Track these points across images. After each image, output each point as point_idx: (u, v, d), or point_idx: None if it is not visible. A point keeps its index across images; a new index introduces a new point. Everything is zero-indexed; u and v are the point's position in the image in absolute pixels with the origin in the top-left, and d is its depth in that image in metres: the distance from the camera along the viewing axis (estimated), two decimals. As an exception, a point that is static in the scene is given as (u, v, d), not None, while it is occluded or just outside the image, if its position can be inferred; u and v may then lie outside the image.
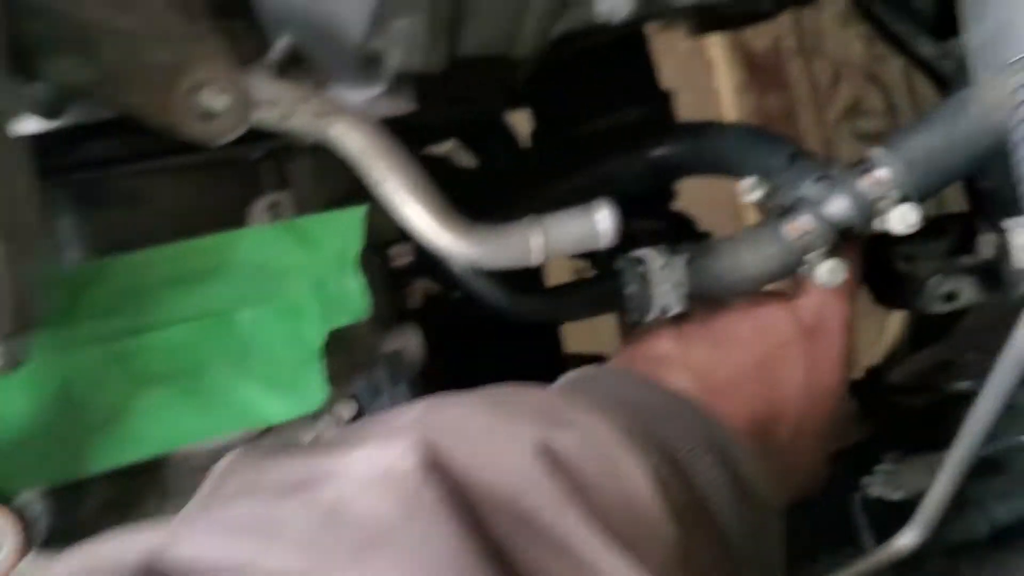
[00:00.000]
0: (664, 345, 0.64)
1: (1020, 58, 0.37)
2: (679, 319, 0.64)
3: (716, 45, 1.71)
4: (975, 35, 0.39)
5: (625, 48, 0.91)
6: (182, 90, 0.46)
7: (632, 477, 0.38)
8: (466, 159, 1.09)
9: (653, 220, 0.83)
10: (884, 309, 0.90)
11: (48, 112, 0.50)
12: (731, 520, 0.48)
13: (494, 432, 0.36)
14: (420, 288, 0.72)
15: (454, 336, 0.77)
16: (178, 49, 0.45)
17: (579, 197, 0.76)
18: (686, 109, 1.73)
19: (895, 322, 1.21)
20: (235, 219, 0.59)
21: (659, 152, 0.74)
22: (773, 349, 0.64)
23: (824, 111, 1.73)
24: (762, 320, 0.65)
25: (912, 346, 1.13)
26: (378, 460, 0.32)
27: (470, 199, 0.81)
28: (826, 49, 1.73)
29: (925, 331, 1.13)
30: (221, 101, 0.47)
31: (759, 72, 1.73)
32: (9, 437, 0.50)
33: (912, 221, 0.61)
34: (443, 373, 0.74)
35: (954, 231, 0.72)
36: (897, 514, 0.71)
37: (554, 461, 0.35)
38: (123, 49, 0.43)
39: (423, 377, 0.66)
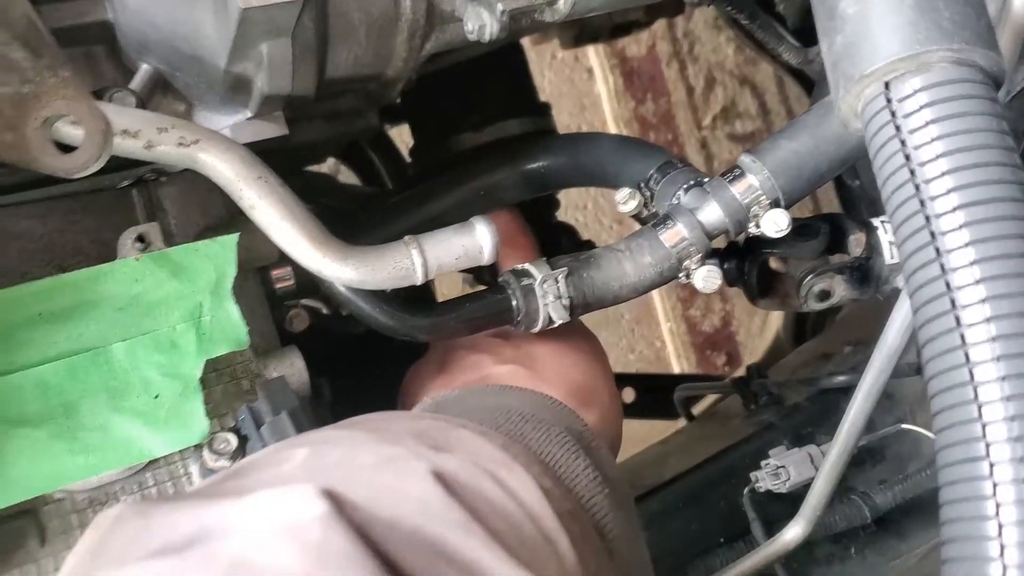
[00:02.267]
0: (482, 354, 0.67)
1: (871, 72, 0.38)
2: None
3: (594, 53, 1.74)
4: (828, 48, 0.41)
5: (502, 61, 0.92)
6: (35, 124, 0.44)
7: (519, 492, 0.39)
8: (348, 175, 1.08)
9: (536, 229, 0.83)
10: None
11: None
12: (612, 522, 0.49)
13: (383, 467, 0.36)
14: (302, 311, 0.71)
15: (342, 355, 0.76)
16: (24, 82, 0.43)
17: (461, 212, 0.77)
18: (567, 116, 1.76)
19: (775, 319, 1.25)
20: (107, 250, 0.57)
21: (535, 165, 0.75)
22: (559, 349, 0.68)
23: (700, 114, 1.78)
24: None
25: (794, 342, 1.17)
26: (276, 510, 0.31)
27: (353, 217, 0.80)
28: (699, 54, 1.77)
29: (804, 326, 1.17)
30: (78, 133, 0.46)
31: (636, 78, 1.76)
32: None
33: (783, 225, 0.63)
34: (333, 391, 0.73)
35: (825, 231, 0.74)
36: (786, 505, 0.73)
37: (447, 486, 0.35)
38: (-34, 84, 0.42)
39: (312, 398, 0.65)
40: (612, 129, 1.77)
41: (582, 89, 1.77)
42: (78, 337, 0.52)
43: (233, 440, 0.54)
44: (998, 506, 0.33)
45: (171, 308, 0.54)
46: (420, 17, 0.60)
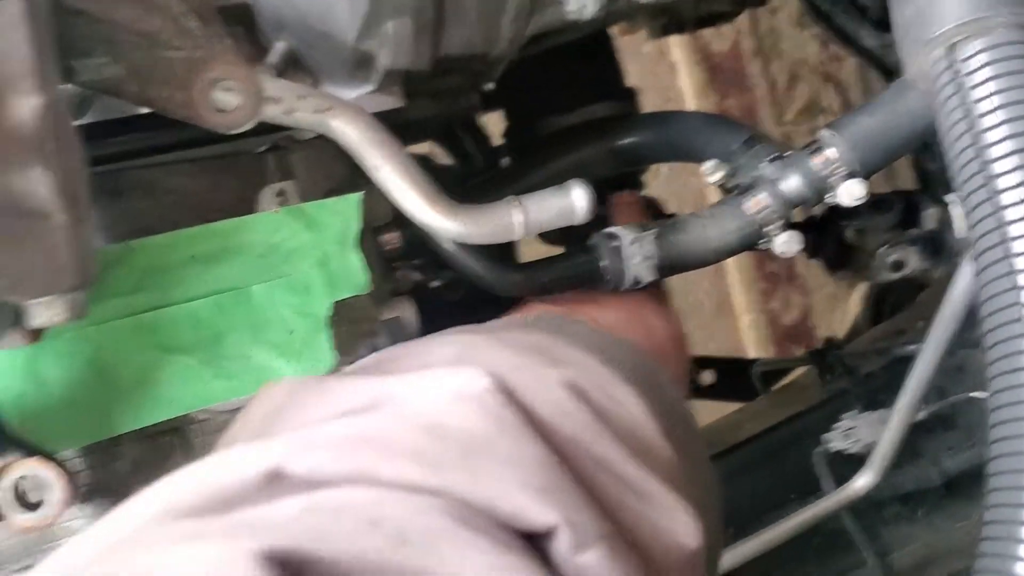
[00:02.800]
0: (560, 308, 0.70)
1: (938, 35, 0.43)
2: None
3: (678, 48, 1.79)
4: (900, 17, 0.46)
5: (592, 48, 0.98)
6: (200, 85, 0.51)
7: (629, 405, 0.41)
8: (444, 158, 1.15)
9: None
10: (845, 291, 0.97)
11: (74, 112, 0.55)
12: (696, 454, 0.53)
13: (522, 369, 0.38)
14: (407, 273, 0.77)
15: (435, 323, 0.83)
16: (196, 48, 0.50)
17: (551, 186, 0.83)
18: (650, 109, 1.81)
19: (855, 302, 1.28)
20: (245, 206, 0.65)
21: (625, 141, 0.80)
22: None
23: (782, 110, 1.81)
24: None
25: (872, 323, 1.20)
26: (452, 383, 0.34)
27: (451, 193, 0.87)
28: (783, 51, 1.81)
29: (882, 316, 1.20)
30: (235, 95, 0.53)
31: (719, 73, 1.80)
32: (50, 402, 0.55)
33: (859, 195, 0.68)
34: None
35: (900, 205, 0.79)
36: (855, 465, 0.77)
37: (578, 393, 0.38)
38: (147, 48, 0.49)
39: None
40: (695, 124, 1.81)
41: (666, 83, 1.81)
42: (224, 278, 0.60)
43: (355, 373, 0.60)
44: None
45: (304, 256, 0.61)
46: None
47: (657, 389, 0.51)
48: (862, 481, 0.70)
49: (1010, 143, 0.41)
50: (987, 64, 0.42)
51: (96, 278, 0.42)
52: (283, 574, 0.24)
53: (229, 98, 0.54)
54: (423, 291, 0.79)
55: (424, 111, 0.77)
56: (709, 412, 1.22)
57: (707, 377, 1.24)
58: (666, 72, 1.80)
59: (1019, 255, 0.39)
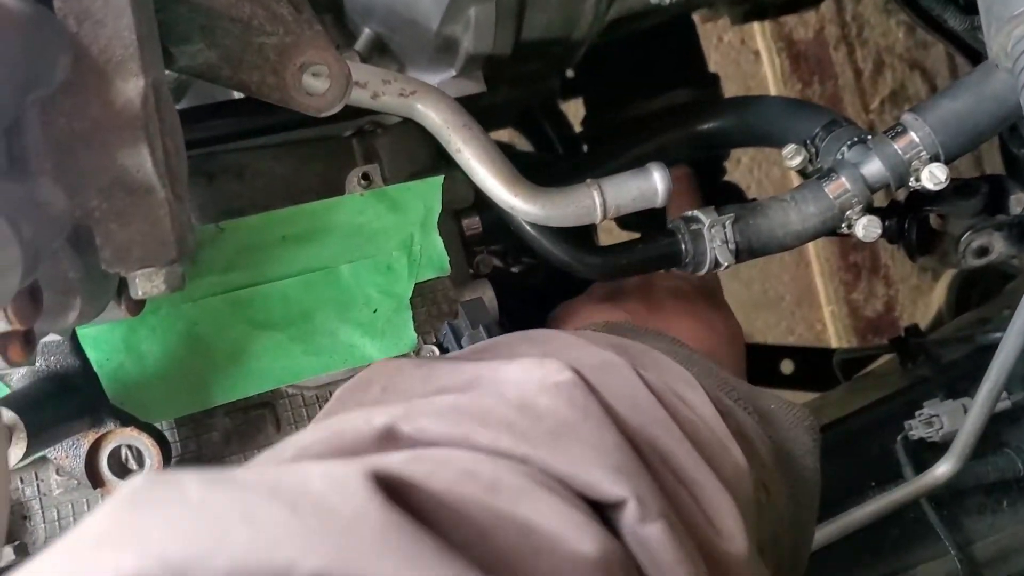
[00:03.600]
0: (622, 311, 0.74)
1: (1019, 12, 0.43)
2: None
3: (760, 36, 1.77)
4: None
5: (674, 33, 0.98)
6: (292, 69, 0.53)
7: (699, 408, 0.45)
8: (524, 146, 1.17)
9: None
10: (930, 283, 0.95)
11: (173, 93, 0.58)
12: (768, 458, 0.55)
13: (603, 367, 0.42)
14: (488, 256, 0.79)
15: (514, 309, 0.84)
16: (288, 33, 0.52)
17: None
18: (733, 99, 1.78)
19: (940, 293, 1.26)
20: (331, 189, 0.67)
21: (708, 126, 0.80)
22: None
23: (867, 98, 1.78)
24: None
25: (956, 314, 1.18)
26: (540, 373, 0.38)
27: (538, 178, 0.88)
28: (868, 38, 1.77)
29: (968, 306, 1.18)
30: (324, 79, 0.55)
31: (803, 61, 1.78)
32: (146, 374, 0.58)
33: (941, 179, 0.67)
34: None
35: (986, 190, 0.77)
36: (938, 454, 0.76)
37: (652, 391, 0.42)
38: (241, 34, 0.51)
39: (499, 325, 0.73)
40: (777, 113, 1.79)
41: (748, 71, 1.80)
42: (313, 257, 0.62)
43: (437, 352, 0.62)
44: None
45: (388, 237, 0.63)
46: (607, -17, 0.67)
47: (725, 390, 0.54)
48: (943, 469, 0.69)
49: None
50: (1073, 41, 0.41)
51: (193, 253, 0.44)
52: (389, 495, 0.27)
53: (319, 83, 0.55)
54: (503, 275, 0.80)
55: (504, 96, 0.79)
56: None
57: (787, 366, 1.24)
58: (748, 61, 1.78)
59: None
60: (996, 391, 0.69)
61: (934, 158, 0.68)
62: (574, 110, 1.10)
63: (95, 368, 0.56)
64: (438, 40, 0.65)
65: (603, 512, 0.33)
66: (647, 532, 0.33)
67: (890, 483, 0.78)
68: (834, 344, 1.79)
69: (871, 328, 1.79)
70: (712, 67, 1.05)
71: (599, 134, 1.00)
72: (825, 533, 0.71)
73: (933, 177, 0.67)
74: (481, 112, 0.76)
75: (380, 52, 0.70)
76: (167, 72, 0.55)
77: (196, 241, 0.59)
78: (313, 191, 0.67)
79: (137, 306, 0.46)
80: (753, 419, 0.55)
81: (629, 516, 0.33)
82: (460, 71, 0.68)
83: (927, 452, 0.78)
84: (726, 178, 1.00)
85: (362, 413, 0.34)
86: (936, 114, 0.67)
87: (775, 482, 0.54)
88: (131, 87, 0.40)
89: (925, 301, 1.70)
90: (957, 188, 0.76)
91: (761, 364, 1.26)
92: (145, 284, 0.41)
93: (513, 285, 0.80)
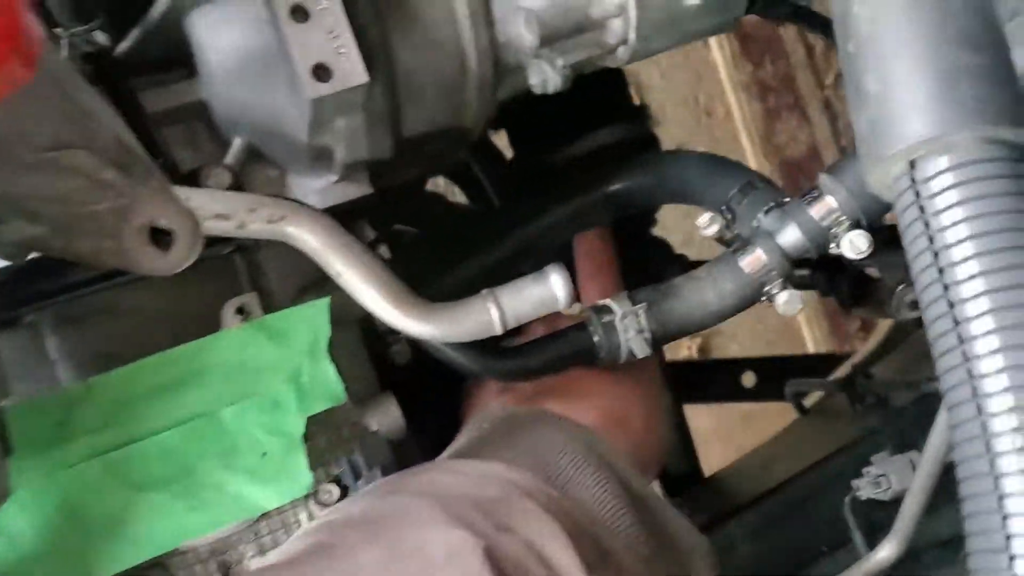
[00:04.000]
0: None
1: (895, 153, 0.39)
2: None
3: (706, 22, 1.71)
4: (856, 124, 0.41)
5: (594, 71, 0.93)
6: (131, 231, 0.49)
7: (565, 568, 0.44)
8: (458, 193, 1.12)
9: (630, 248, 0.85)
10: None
11: (13, 256, 0.53)
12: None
13: (449, 564, 0.42)
14: (404, 346, 0.75)
15: (444, 379, 0.80)
16: (119, 196, 0.48)
17: (553, 235, 0.79)
18: (684, 87, 1.74)
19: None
20: (215, 315, 0.62)
21: (619, 186, 0.76)
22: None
23: (821, 74, 1.73)
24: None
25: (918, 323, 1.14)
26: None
27: (460, 239, 0.84)
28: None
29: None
30: (172, 232, 0.50)
31: (753, 42, 1.72)
32: (20, 557, 0.54)
33: (862, 248, 0.63)
34: (438, 413, 0.78)
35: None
36: (889, 510, 0.73)
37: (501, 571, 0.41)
38: (63, 208, 0.46)
39: (412, 434, 0.69)
40: (730, 96, 1.74)
41: (697, 58, 1.74)
42: (193, 404, 0.58)
43: (336, 491, 0.59)
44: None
45: (273, 371, 0.59)
46: (487, 73, 0.63)
47: (617, 508, 0.55)
48: (887, 551, 0.66)
49: (981, 281, 0.36)
50: (951, 187, 0.37)
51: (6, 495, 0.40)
52: None
53: (166, 237, 0.51)
54: (421, 358, 0.76)
55: (406, 175, 0.74)
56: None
57: (748, 379, 1.21)
58: (696, 47, 1.73)
59: (994, 416, 0.35)
60: (938, 457, 0.66)
61: (855, 224, 0.64)
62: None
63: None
64: (311, 151, 0.61)
65: None
66: None
67: (841, 547, 0.75)
68: (804, 329, 1.76)
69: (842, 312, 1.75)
70: (660, 58, 1.00)
71: (525, 182, 0.95)
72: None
73: (853, 247, 0.63)
74: (387, 192, 0.72)
75: (256, 158, 0.65)
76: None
77: (63, 405, 0.56)
78: (194, 320, 0.63)
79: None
80: (640, 555, 0.53)
81: None
82: (341, 176, 0.63)
83: (878, 511, 0.75)
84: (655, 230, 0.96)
85: None
86: (855, 175, 0.63)
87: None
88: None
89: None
90: (888, 239, 0.71)
91: (723, 379, 1.23)
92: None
93: (434, 361, 0.77)
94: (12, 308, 0.59)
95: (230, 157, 0.64)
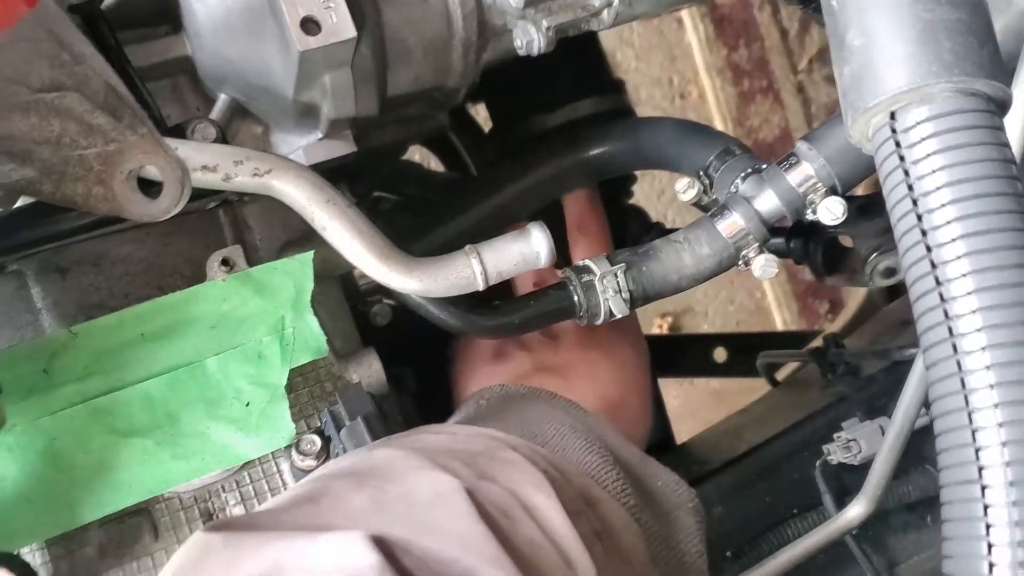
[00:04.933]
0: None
1: (875, 104, 0.40)
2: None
3: (683, 3, 1.72)
4: (839, 77, 0.42)
5: (574, 42, 0.93)
6: (120, 176, 0.49)
7: (548, 520, 0.44)
8: (437, 162, 1.12)
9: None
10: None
11: (2, 202, 0.54)
12: (643, 525, 0.54)
13: (434, 504, 0.41)
14: (385, 306, 0.75)
15: (424, 343, 0.81)
16: (109, 142, 0.48)
17: (528, 200, 0.80)
18: (658, 68, 1.75)
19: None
20: (198, 269, 0.63)
21: (597, 151, 0.77)
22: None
23: (795, 58, 1.74)
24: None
25: (887, 295, 1.16)
26: (338, 558, 0.36)
27: (437, 205, 0.84)
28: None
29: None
30: (160, 180, 0.51)
31: (728, 25, 1.74)
32: (6, 499, 0.55)
33: (838, 213, 0.64)
34: (419, 376, 0.78)
35: (891, 206, 0.75)
36: (858, 474, 0.75)
37: (486, 518, 0.41)
38: (54, 150, 0.47)
39: (394, 391, 0.70)
40: (704, 79, 1.76)
41: (672, 40, 1.75)
42: (177, 353, 0.58)
43: (318, 441, 0.59)
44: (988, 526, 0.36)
45: (257, 323, 0.60)
46: (472, 34, 0.63)
47: (603, 470, 0.55)
48: (856, 510, 0.67)
49: (957, 226, 0.37)
50: (930, 136, 0.39)
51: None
52: None
53: (155, 173, 0.51)
54: (403, 318, 0.77)
55: (388, 137, 0.75)
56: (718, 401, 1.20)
57: (720, 354, 1.22)
58: (672, 29, 1.74)
59: (970, 354, 0.37)
60: (909, 418, 0.68)
61: (831, 191, 0.65)
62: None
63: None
64: (297, 107, 0.61)
65: None
66: None
67: (811, 509, 0.77)
68: (774, 310, 1.78)
69: (811, 292, 1.78)
70: (635, 39, 1.01)
71: (503, 151, 0.96)
72: (744, 579, 0.69)
73: (829, 213, 0.64)
74: (368, 153, 0.72)
75: (242, 115, 0.65)
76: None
77: (48, 353, 0.56)
78: (178, 273, 0.63)
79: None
80: (626, 506, 0.54)
81: None
82: (326, 133, 0.64)
83: (847, 475, 0.77)
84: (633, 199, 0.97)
85: None
86: (830, 143, 0.64)
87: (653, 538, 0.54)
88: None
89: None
90: (861, 207, 0.73)
91: (695, 354, 1.25)
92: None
93: (415, 323, 0.77)
94: (-2, 256, 0.59)
95: (215, 112, 0.64)
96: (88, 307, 0.60)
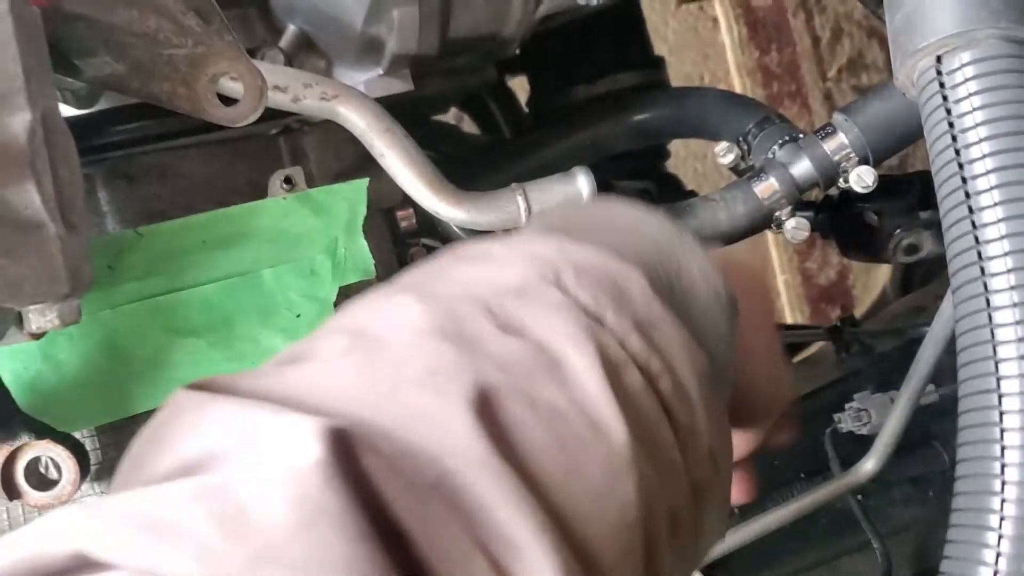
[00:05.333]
0: None
1: (924, 46, 0.43)
2: None
3: (719, 2, 1.75)
4: (891, 22, 0.45)
5: (618, 15, 0.97)
6: (204, 80, 0.52)
7: (578, 376, 0.38)
8: (471, 125, 1.16)
9: (642, 180, 0.89)
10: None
11: (84, 103, 0.57)
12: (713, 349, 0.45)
13: (424, 384, 0.35)
14: (422, 249, 0.78)
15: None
16: (197, 44, 0.51)
17: (569, 161, 0.83)
18: (690, 65, 1.78)
19: (885, 274, 1.27)
20: (256, 189, 0.66)
21: (641, 117, 0.80)
22: None
23: (825, 66, 1.77)
24: None
25: (900, 296, 1.19)
26: (281, 451, 0.31)
27: (470, 163, 0.87)
28: (827, 4, 1.77)
29: (912, 281, 1.19)
30: (238, 88, 0.54)
31: (761, 28, 1.77)
32: (64, 383, 0.58)
33: (868, 181, 0.67)
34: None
35: (917, 188, 0.78)
36: (865, 446, 0.77)
37: (484, 406, 0.35)
38: (148, 46, 0.50)
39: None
40: (735, 79, 1.78)
41: (706, 38, 1.79)
42: (236, 262, 0.61)
43: (360, 357, 0.62)
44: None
45: (312, 241, 0.63)
46: (535, -19, 0.66)
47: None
48: (865, 467, 0.70)
49: (991, 160, 0.40)
50: (972, 78, 0.41)
51: (90, 285, 0.44)
52: None
53: (233, 91, 0.54)
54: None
55: (436, 88, 0.78)
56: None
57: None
58: (707, 28, 1.77)
59: (995, 276, 0.39)
60: (919, 389, 0.70)
61: (863, 160, 0.68)
62: (524, 83, 1.09)
63: (6, 382, 0.55)
64: (363, 39, 0.64)
65: None
66: None
67: (818, 475, 0.80)
68: (787, 313, 1.81)
69: (824, 297, 1.81)
70: (669, 35, 1.04)
71: (542, 117, 0.99)
72: (749, 530, 0.72)
73: (860, 180, 0.68)
74: (414, 103, 0.75)
75: (307, 48, 0.68)
76: (73, 82, 0.54)
77: (114, 250, 0.59)
78: (238, 192, 0.66)
79: (39, 334, 0.45)
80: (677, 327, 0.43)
81: None
82: (387, 70, 0.67)
83: (855, 444, 0.79)
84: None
85: (59, 528, 0.30)
86: (866, 116, 0.68)
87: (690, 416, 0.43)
88: (17, 122, 0.39)
89: (878, 270, 1.72)
90: (887, 185, 0.76)
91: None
92: (39, 319, 0.41)
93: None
94: (69, 159, 0.62)
95: (283, 42, 0.67)
96: (151, 215, 0.63)
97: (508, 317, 0.40)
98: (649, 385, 0.41)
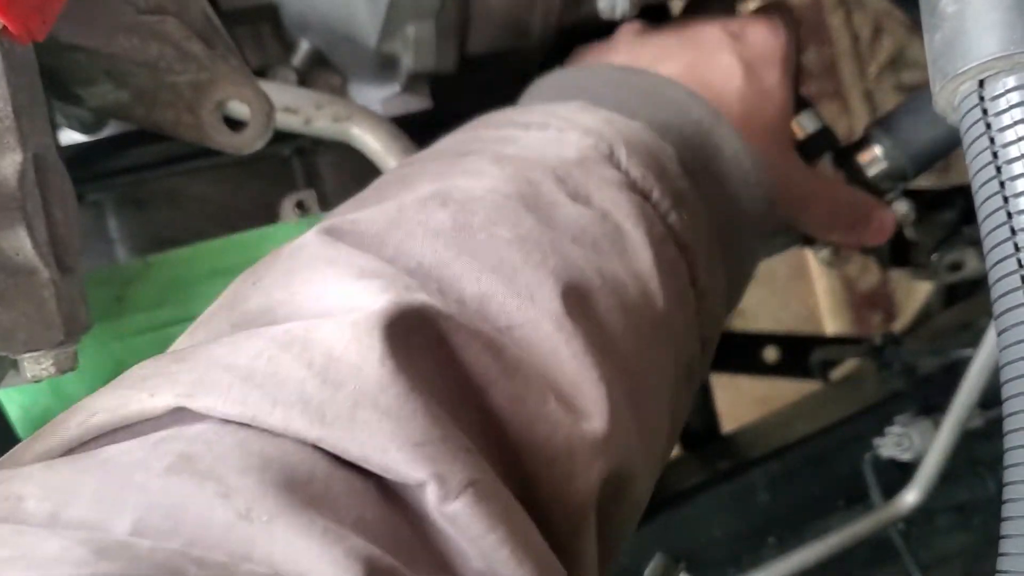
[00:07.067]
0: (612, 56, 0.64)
1: (965, 70, 0.40)
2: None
3: (752, 1, 1.71)
4: (929, 44, 0.42)
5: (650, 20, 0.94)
6: (208, 106, 0.50)
7: (637, 257, 0.44)
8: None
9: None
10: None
11: (89, 129, 0.55)
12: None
13: (513, 246, 0.40)
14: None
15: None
16: (201, 70, 0.49)
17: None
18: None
19: (924, 286, 1.23)
20: (269, 212, 0.64)
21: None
22: (701, 55, 0.61)
23: (865, 64, 1.73)
24: (692, 32, 0.64)
25: (944, 304, 1.15)
26: (349, 312, 0.35)
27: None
28: (867, 1, 1.72)
29: (957, 289, 1.15)
30: (246, 113, 0.52)
31: (799, 26, 1.72)
32: (72, 419, 0.56)
33: (904, 211, 0.65)
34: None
35: (960, 204, 0.74)
36: (907, 471, 0.74)
37: (567, 272, 0.40)
38: (150, 75, 0.48)
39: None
40: (772, 80, 1.74)
41: (742, 39, 1.74)
42: (245, 291, 0.59)
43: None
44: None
45: (325, 267, 0.61)
46: (556, -6, 0.64)
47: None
48: (907, 499, 0.67)
49: (1040, 194, 0.37)
50: (1017, 105, 0.38)
51: (87, 329, 0.42)
52: None
53: (242, 113, 0.53)
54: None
55: (459, 107, 0.76)
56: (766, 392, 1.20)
57: (770, 354, 1.21)
58: (742, 27, 1.73)
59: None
60: (964, 416, 0.68)
61: (900, 176, 0.65)
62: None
63: (14, 418, 0.54)
64: (378, 57, 0.62)
65: (411, 491, 0.33)
66: (450, 511, 0.32)
67: (858, 503, 0.77)
68: (828, 320, 1.77)
69: (865, 302, 1.76)
70: None
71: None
72: (788, 565, 0.69)
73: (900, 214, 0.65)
74: (438, 123, 0.73)
75: (321, 64, 0.66)
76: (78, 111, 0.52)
77: (121, 280, 0.58)
78: (250, 215, 0.65)
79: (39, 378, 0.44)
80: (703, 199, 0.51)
81: (430, 497, 0.32)
82: (405, 87, 0.65)
83: (897, 470, 0.76)
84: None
85: (155, 388, 0.34)
86: (901, 129, 0.65)
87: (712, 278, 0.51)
88: (6, 164, 0.37)
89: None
90: (931, 201, 0.73)
91: (744, 352, 1.24)
92: (34, 367, 0.39)
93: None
94: (78, 185, 0.61)
95: (296, 59, 0.65)
96: (161, 241, 0.62)
97: (576, 187, 0.45)
98: (682, 256, 0.47)
